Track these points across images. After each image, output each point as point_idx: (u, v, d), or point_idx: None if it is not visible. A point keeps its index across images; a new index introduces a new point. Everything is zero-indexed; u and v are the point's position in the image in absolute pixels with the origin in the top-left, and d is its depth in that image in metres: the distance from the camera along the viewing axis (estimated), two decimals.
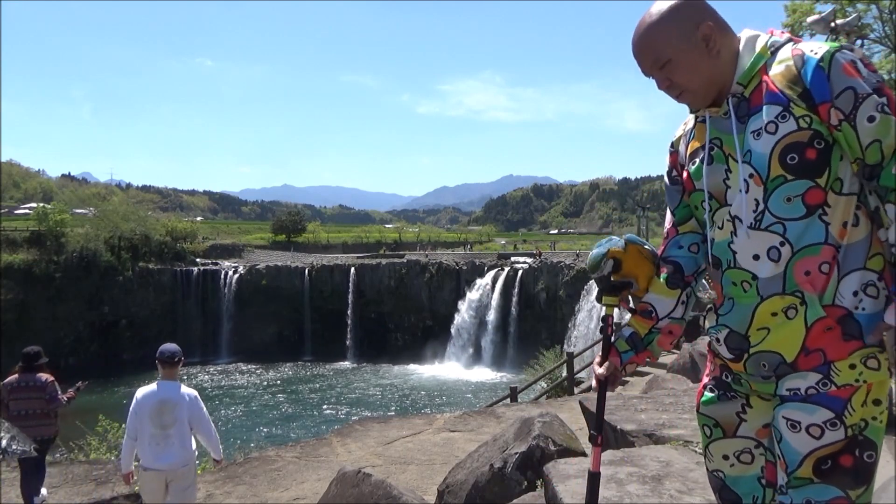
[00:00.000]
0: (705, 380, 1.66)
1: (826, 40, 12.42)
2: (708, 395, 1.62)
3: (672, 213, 1.67)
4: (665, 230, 1.71)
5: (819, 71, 1.35)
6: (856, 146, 1.34)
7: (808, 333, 1.38)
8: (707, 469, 1.66)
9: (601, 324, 1.74)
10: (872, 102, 1.32)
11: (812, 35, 16.15)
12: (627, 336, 1.67)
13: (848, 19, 12.52)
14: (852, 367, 1.36)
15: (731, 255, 1.47)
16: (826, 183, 1.37)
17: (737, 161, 1.44)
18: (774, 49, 1.44)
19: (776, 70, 1.41)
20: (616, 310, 1.72)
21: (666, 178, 1.69)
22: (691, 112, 1.59)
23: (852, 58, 1.35)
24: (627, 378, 12.35)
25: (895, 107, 1.33)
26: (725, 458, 1.59)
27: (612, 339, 1.68)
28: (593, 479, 1.72)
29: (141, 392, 4.65)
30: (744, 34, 1.49)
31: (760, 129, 1.39)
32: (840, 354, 1.37)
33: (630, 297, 1.73)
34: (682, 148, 1.63)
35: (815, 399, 1.38)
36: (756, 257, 1.42)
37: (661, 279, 1.64)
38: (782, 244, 1.39)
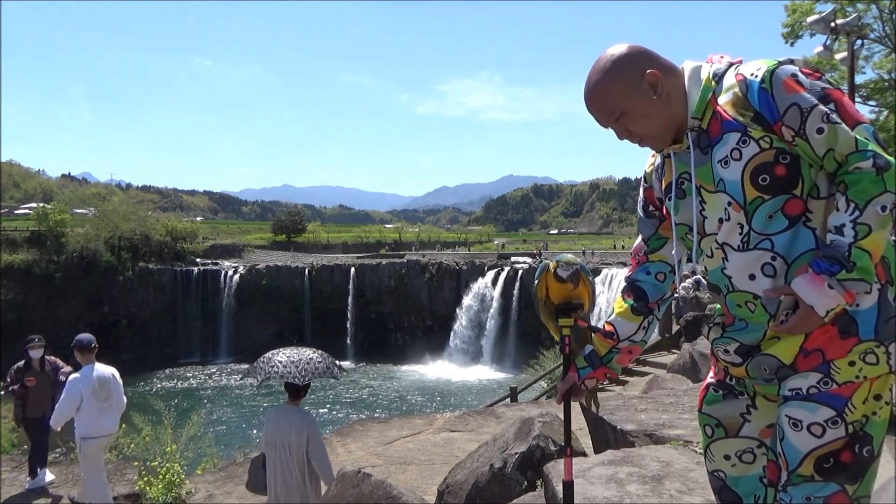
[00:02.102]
0: (709, 380, 1.68)
1: (826, 40, 12.43)
2: (712, 394, 1.64)
3: (645, 241, 1.73)
4: (634, 252, 1.78)
5: (763, 92, 1.38)
6: (814, 157, 1.37)
7: (807, 336, 1.40)
8: (707, 469, 1.68)
9: (560, 343, 1.82)
10: (818, 114, 1.34)
11: (812, 35, 16.17)
12: (586, 354, 1.75)
13: (848, 19, 12.54)
14: (852, 364, 1.37)
15: (727, 281, 1.49)
16: (802, 192, 1.39)
17: (710, 192, 1.47)
18: (718, 77, 1.47)
19: (725, 98, 1.44)
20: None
21: (640, 211, 1.75)
22: (656, 152, 1.64)
23: (792, 71, 1.37)
24: (627, 378, 12.35)
25: (845, 108, 1.35)
26: (727, 457, 1.60)
27: (571, 357, 1.78)
28: (567, 487, 1.82)
29: (78, 375, 5.43)
30: (686, 67, 1.52)
31: (726, 157, 1.43)
32: (839, 353, 1.38)
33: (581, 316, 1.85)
34: (655, 183, 1.67)
35: (817, 398, 1.39)
36: (752, 277, 1.44)
37: (627, 304, 1.70)
38: (774, 258, 1.41)
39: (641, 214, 1.75)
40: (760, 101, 1.38)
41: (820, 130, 1.34)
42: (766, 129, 1.39)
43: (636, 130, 1.52)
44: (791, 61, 1.40)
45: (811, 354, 1.40)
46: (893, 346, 1.38)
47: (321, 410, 25.13)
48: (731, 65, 1.48)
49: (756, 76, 1.40)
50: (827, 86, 1.37)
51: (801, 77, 1.37)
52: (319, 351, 4.45)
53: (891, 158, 1.34)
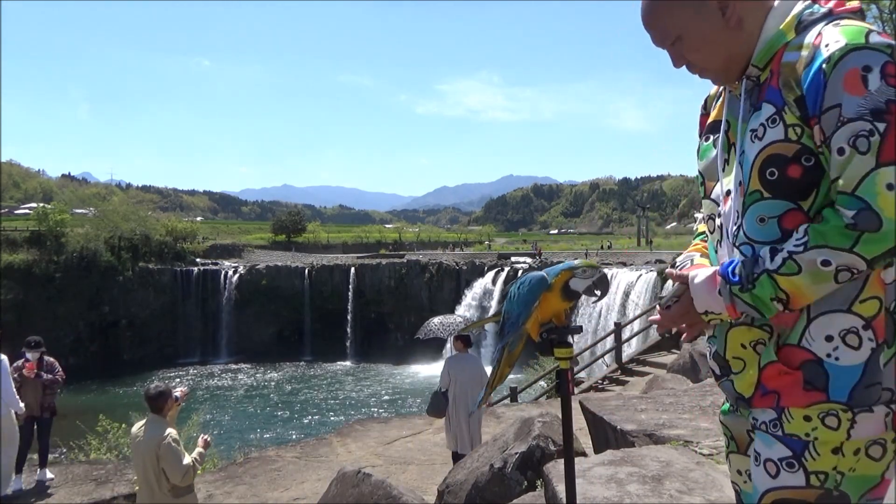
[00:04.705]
0: None
1: None
2: (725, 405, 1.45)
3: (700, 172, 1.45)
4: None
5: (819, 75, 1.08)
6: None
7: (761, 374, 1.21)
8: (729, 477, 1.53)
9: (558, 383, 1.47)
10: (851, 130, 1.04)
11: None
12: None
13: None
14: (807, 419, 1.16)
15: (716, 263, 1.29)
16: (811, 208, 1.14)
17: (735, 158, 1.24)
18: (803, 26, 1.16)
19: (789, 58, 1.15)
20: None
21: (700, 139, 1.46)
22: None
23: (867, 63, 1.05)
24: (627, 378, 12.35)
25: (890, 141, 1.02)
26: (739, 473, 1.43)
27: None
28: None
29: None
30: None
31: (756, 130, 1.18)
32: (796, 402, 1.17)
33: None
34: (713, 111, 1.40)
35: (773, 433, 1.20)
36: None
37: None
38: None
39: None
40: (810, 84, 1.10)
41: (841, 151, 1.06)
42: (803, 119, 1.11)
43: (693, 60, 1.25)
44: (890, 47, 1.06)
45: (768, 394, 1.21)
46: (862, 417, 1.13)
47: (321, 409, 25.15)
48: (829, 14, 1.16)
49: (828, 49, 1.08)
50: None
51: (874, 75, 1.04)
52: (463, 315, 6.56)
53: (889, 223, 1.02)
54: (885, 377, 1.13)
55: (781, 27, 1.17)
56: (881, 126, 1.02)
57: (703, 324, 1.25)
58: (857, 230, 1.04)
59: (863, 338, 1.13)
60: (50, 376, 6.40)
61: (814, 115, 1.09)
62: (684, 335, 1.35)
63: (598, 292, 1.48)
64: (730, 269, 1.17)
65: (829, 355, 1.14)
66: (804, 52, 1.13)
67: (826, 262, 1.06)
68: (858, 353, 1.13)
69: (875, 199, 1.02)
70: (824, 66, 1.07)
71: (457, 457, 5.77)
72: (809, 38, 1.14)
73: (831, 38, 1.10)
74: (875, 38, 1.07)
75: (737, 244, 1.22)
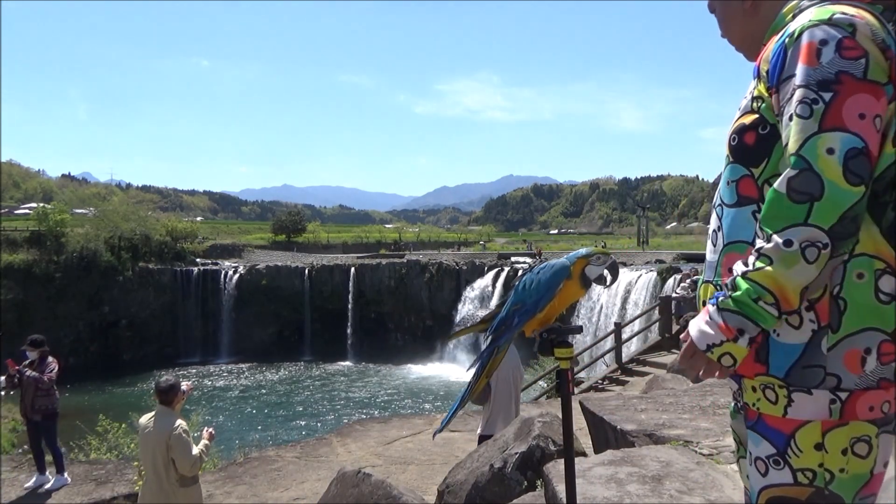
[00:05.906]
0: None
1: None
2: (731, 406, 1.45)
3: None
4: None
5: (781, 50, 1.18)
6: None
7: None
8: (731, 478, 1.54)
9: (558, 382, 1.48)
10: (799, 98, 1.10)
11: None
12: None
13: None
14: (753, 389, 1.23)
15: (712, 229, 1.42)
16: (760, 175, 1.21)
17: None
18: (798, 11, 1.24)
19: (775, 38, 1.24)
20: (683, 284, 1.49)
21: None
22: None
23: (823, 37, 1.11)
24: (627, 378, 12.34)
25: (839, 106, 1.07)
26: (748, 477, 1.41)
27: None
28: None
29: None
30: None
31: (742, 101, 1.31)
32: (747, 371, 1.22)
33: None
34: None
35: (759, 428, 1.23)
36: (709, 236, 1.35)
37: None
38: (719, 229, 1.29)
39: None
40: (773, 57, 1.19)
41: (791, 117, 1.12)
42: (767, 89, 1.20)
43: (722, 34, 1.42)
44: (852, 25, 1.11)
45: None
46: (799, 396, 1.16)
47: (321, 409, 25.14)
48: (820, 2, 1.22)
49: (793, 25, 1.18)
50: (851, 71, 1.08)
51: (829, 48, 1.10)
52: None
53: (832, 186, 1.04)
54: (829, 362, 1.14)
55: (783, 11, 1.28)
56: (827, 95, 1.08)
57: (716, 364, 1.18)
58: (803, 199, 1.06)
59: (804, 318, 1.16)
60: (34, 374, 6.15)
61: (773, 86, 1.18)
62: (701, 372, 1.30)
63: (609, 277, 1.53)
64: (715, 295, 1.20)
65: (775, 331, 1.18)
66: (782, 30, 1.22)
67: (788, 242, 1.07)
68: (799, 333, 1.16)
69: (816, 160, 1.06)
70: (786, 40, 1.17)
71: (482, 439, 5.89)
72: (794, 19, 1.23)
73: (802, 17, 1.18)
74: (838, 16, 1.13)
75: (714, 205, 1.32)
